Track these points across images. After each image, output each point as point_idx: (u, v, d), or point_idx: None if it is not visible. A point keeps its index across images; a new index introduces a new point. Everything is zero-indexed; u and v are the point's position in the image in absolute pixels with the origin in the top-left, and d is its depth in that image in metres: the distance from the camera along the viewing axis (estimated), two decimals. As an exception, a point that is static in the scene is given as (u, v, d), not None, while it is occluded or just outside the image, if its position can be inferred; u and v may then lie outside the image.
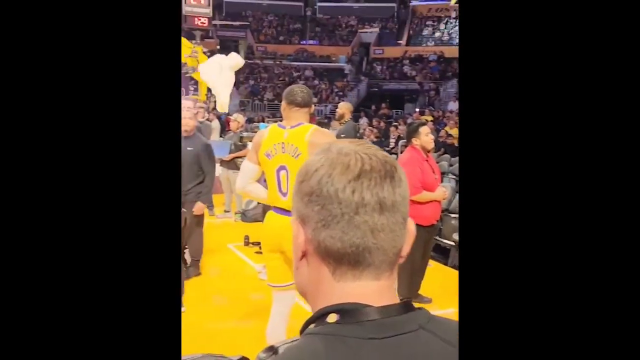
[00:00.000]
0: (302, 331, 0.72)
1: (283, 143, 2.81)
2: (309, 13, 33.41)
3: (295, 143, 2.78)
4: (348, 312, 0.66)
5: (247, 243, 6.06)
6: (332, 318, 0.67)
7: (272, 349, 1.29)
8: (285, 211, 2.80)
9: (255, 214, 6.89)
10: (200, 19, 11.45)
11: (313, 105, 3.00)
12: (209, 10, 11.65)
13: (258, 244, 5.90)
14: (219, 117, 11.09)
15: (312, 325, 0.70)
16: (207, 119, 7.38)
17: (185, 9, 11.44)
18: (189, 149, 4.52)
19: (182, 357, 1.49)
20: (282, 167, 2.81)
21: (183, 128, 4.56)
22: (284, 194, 2.83)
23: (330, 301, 0.68)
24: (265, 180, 3.59)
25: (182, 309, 4.12)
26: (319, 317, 0.69)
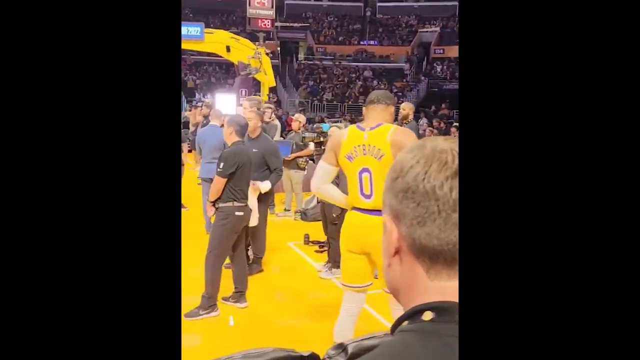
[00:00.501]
0: (393, 328, 0.71)
1: (364, 145, 2.79)
2: (368, 13, 33.29)
3: (378, 144, 2.76)
4: (445, 310, 0.65)
5: (307, 242, 6.11)
6: (427, 316, 0.66)
7: (341, 347, 1.30)
8: (368, 211, 2.78)
9: (314, 214, 6.95)
10: (263, 21, 11.65)
11: (392, 106, 2.97)
12: (271, 12, 11.82)
13: (318, 242, 5.95)
14: (279, 117, 11.24)
15: (405, 323, 0.68)
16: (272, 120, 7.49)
17: (250, 12, 11.68)
18: (254, 150, 4.60)
19: (252, 350, 1.52)
20: (365, 170, 2.79)
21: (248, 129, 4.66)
22: (367, 196, 2.80)
23: (424, 299, 0.67)
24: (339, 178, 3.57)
25: (245, 305, 4.22)
26: (413, 314, 0.68)
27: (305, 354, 1.33)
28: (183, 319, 3.92)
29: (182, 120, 12.62)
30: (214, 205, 4.02)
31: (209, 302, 3.99)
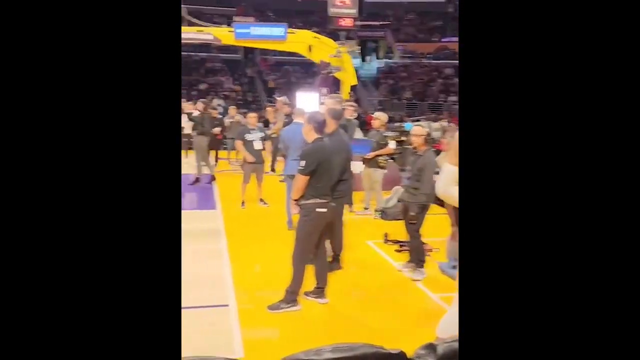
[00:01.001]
0: None
1: None
2: (451, 9, 32.44)
3: None
4: None
5: (386, 241, 6.07)
6: None
7: (431, 347, 1.28)
8: None
9: (394, 213, 6.88)
10: (344, 20, 11.70)
11: None
12: (354, 11, 11.86)
13: (398, 242, 5.89)
14: (358, 116, 11.23)
15: None
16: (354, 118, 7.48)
17: (331, 11, 11.77)
18: None
19: (341, 344, 1.53)
20: None
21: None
22: None
23: None
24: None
25: (326, 301, 4.26)
26: None
27: (394, 351, 1.32)
28: (265, 311, 4.03)
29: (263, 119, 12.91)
30: (297, 202, 4.09)
31: (291, 297, 4.07)
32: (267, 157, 8.45)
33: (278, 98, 11.88)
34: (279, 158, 10.68)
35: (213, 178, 9.59)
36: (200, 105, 10.08)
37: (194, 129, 9.77)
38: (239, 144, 7.67)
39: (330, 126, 4.81)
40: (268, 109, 11.44)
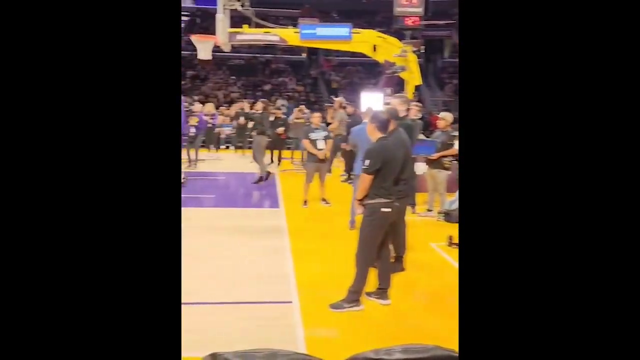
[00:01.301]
0: None
1: None
2: (520, 7, 31.35)
3: None
4: None
5: (450, 243, 5.93)
6: None
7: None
8: None
9: (458, 215, 6.72)
10: (410, 19, 11.58)
11: None
12: (420, 10, 11.71)
13: (462, 245, 5.75)
14: (422, 116, 11.06)
15: None
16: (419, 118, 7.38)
17: (396, 10, 11.67)
18: None
19: (412, 345, 1.50)
20: None
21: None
22: None
23: None
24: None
25: (388, 302, 4.21)
26: None
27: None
28: (327, 309, 4.03)
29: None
30: (361, 202, 4.06)
31: (354, 297, 4.06)
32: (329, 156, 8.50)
33: (335, 98, 11.89)
34: (340, 158, 10.68)
35: (268, 174, 9.84)
36: (259, 105, 10.35)
37: (253, 128, 10.04)
38: (306, 142, 7.81)
39: (390, 125, 4.76)
40: (328, 109, 11.51)
